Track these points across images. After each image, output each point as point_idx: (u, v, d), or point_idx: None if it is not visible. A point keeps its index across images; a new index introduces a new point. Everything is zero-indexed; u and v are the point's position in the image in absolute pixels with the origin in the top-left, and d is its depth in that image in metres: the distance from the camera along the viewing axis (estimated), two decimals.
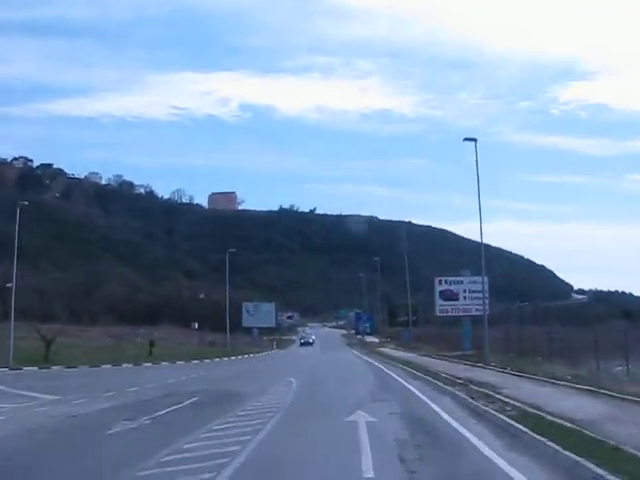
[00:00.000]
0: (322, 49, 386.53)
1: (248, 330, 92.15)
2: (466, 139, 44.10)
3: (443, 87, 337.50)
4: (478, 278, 53.19)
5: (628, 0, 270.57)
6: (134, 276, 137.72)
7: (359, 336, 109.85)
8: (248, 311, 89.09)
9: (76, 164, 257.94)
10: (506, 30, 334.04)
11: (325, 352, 70.98)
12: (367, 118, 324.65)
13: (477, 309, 54.16)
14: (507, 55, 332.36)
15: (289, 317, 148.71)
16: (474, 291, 57.72)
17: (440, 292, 59.96)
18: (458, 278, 60.89)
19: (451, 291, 59.73)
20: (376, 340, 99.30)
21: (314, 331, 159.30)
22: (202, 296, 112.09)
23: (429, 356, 53.51)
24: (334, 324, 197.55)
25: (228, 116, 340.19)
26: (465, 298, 59.55)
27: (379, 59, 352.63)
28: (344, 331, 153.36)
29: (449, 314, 60.73)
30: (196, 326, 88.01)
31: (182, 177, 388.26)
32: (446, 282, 60.77)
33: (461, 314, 58.86)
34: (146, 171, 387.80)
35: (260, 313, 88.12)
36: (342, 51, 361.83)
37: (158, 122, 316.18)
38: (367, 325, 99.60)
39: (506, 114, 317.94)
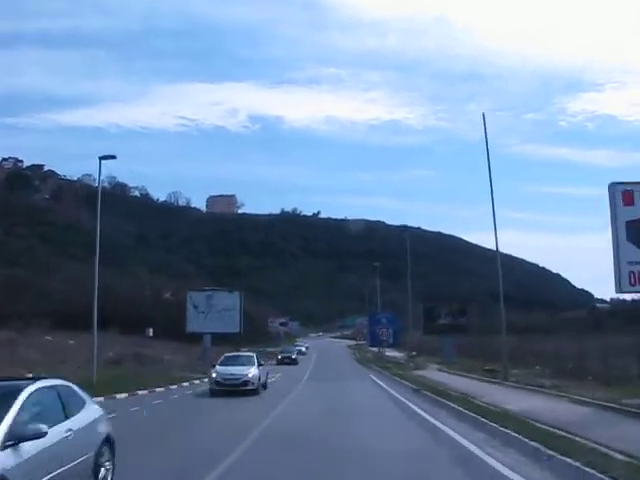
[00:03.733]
0: (331, 61, 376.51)
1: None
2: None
3: (451, 99, 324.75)
4: None
5: (636, 12, 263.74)
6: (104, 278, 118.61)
7: (375, 349, 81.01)
8: (196, 306, 53.70)
9: (76, 170, 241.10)
10: (514, 42, 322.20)
11: (318, 381, 39.88)
12: (375, 129, 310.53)
13: None
14: (515, 67, 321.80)
15: (282, 324, 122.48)
16: None
17: None
18: None
19: None
20: (398, 354, 73.53)
21: (313, 342, 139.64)
22: (168, 296, 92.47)
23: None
24: (338, 334, 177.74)
25: (236, 127, 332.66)
26: None
27: (388, 71, 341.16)
28: (351, 342, 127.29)
29: None
30: (150, 333, 69.26)
31: (180, 181, 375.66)
32: None
33: None
34: (143, 175, 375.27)
35: (215, 309, 53.31)
36: (351, 63, 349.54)
37: (167, 133, 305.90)
38: (389, 330, 63.15)
39: (514, 126, 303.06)
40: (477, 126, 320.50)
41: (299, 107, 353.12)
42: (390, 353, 76.14)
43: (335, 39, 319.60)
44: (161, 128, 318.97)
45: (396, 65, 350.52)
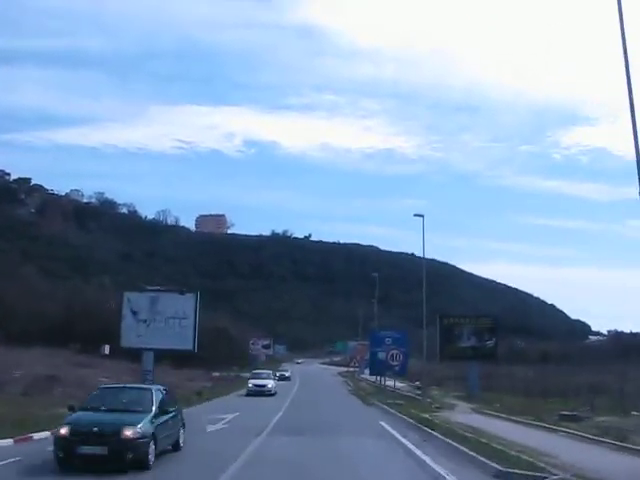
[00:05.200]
0: (328, 87, 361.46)
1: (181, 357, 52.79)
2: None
3: (447, 129, 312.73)
4: None
5: (631, 48, 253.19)
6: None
7: (370, 377, 63.92)
8: (135, 312, 37.42)
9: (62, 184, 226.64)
10: (510, 74, 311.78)
11: (292, 434, 21.32)
12: (370, 157, 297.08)
13: None
14: (511, 99, 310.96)
15: (265, 346, 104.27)
16: None
17: None
18: None
19: None
20: (399, 384, 53.85)
21: (299, 368, 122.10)
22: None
23: None
24: (327, 360, 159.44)
25: (232, 151, 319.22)
26: None
27: (384, 100, 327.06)
28: (342, 368, 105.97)
29: None
30: (106, 351, 52.60)
31: (171, 202, 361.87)
32: None
33: None
34: (134, 195, 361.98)
35: (161, 317, 37.16)
36: (348, 90, 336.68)
37: (163, 154, 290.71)
38: (399, 352, 41.67)
39: (508, 157, 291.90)
40: (471, 157, 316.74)
41: (295, 133, 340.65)
42: (388, 382, 59.75)
43: (332, 66, 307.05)
44: (157, 150, 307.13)
45: (393, 94, 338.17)
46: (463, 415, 27.92)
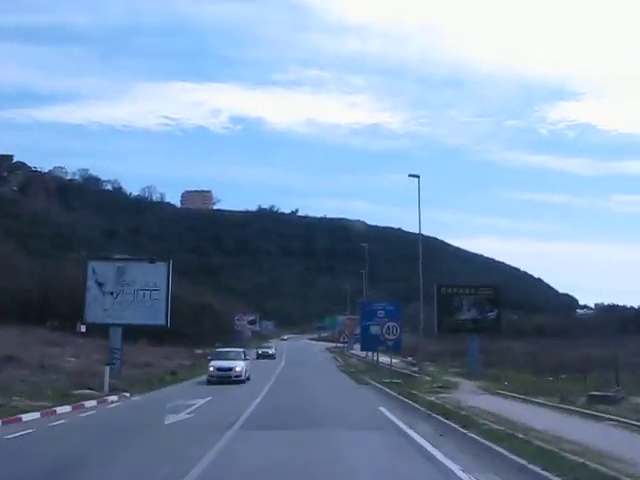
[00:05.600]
0: (314, 63, 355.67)
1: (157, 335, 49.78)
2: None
3: (433, 105, 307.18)
4: None
5: (619, 24, 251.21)
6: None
7: (364, 354, 57.82)
8: (101, 284, 32.95)
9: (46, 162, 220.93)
10: (498, 50, 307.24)
11: (273, 428, 16.55)
12: (357, 133, 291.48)
13: None
14: (498, 74, 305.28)
15: (251, 322, 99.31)
16: None
17: None
18: None
19: None
20: (393, 360, 46.77)
21: (287, 344, 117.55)
22: None
23: None
24: (315, 335, 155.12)
25: (218, 127, 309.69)
26: None
27: (371, 75, 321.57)
28: (330, 344, 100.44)
29: None
30: (82, 329, 48.00)
31: (156, 179, 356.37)
32: None
33: None
34: (119, 172, 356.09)
35: (130, 289, 32.95)
36: (334, 66, 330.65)
37: (148, 131, 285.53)
38: (397, 325, 35.28)
39: (495, 132, 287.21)
40: (457, 132, 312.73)
41: (281, 109, 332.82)
42: (381, 358, 55.60)
43: (318, 41, 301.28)
44: (143, 127, 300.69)
45: (379, 69, 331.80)
46: (473, 397, 23.67)
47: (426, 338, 48.96)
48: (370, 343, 43.31)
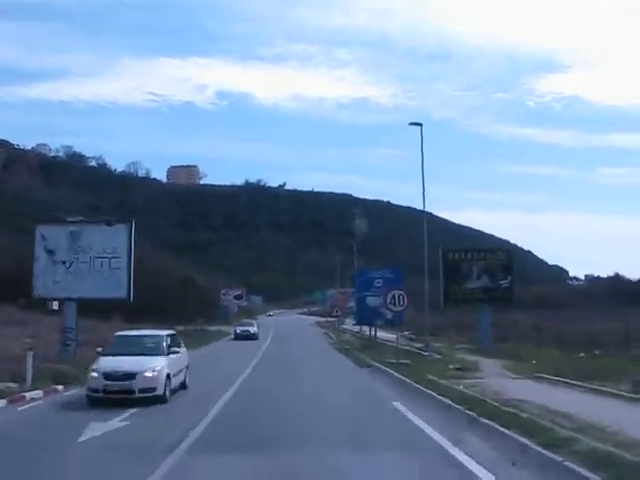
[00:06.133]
0: (300, 37, 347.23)
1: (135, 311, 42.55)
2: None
3: (421, 78, 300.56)
4: None
5: None
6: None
7: (357, 328, 53.13)
8: (51, 251, 26.99)
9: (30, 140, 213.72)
10: (484, 22, 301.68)
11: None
12: (344, 107, 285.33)
13: None
14: (485, 47, 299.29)
15: (237, 297, 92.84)
16: None
17: None
18: None
19: None
20: (390, 335, 38.64)
21: (276, 319, 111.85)
22: None
23: None
24: (305, 310, 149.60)
25: (205, 103, 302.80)
26: None
27: (357, 49, 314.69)
28: (321, 318, 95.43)
29: None
30: (55, 306, 41.43)
31: (142, 156, 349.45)
32: None
33: None
34: (102, 147, 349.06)
35: (85, 257, 26.84)
36: (320, 40, 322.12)
37: (134, 108, 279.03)
38: (400, 293, 24.89)
39: (483, 105, 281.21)
40: (445, 105, 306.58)
41: (267, 84, 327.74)
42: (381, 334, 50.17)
43: (304, 15, 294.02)
44: (129, 103, 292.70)
45: (365, 43, 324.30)
46: (509, 383, 18.08)
47: (421, 311, 43.58)
48: (367, 316, 37.58)
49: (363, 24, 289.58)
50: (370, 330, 42.27)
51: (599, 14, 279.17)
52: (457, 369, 22.49)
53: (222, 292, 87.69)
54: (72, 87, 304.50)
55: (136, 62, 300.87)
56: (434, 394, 15.16)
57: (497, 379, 18.98)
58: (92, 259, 27.69)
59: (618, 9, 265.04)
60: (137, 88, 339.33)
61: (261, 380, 21.66)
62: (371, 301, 36.81)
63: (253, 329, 56.63)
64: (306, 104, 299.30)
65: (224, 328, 64.06)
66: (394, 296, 23.76)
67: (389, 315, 35.71)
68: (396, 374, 20.85)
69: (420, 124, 34.55)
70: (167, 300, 75.06)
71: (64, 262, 27.81)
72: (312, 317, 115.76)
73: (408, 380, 18.65)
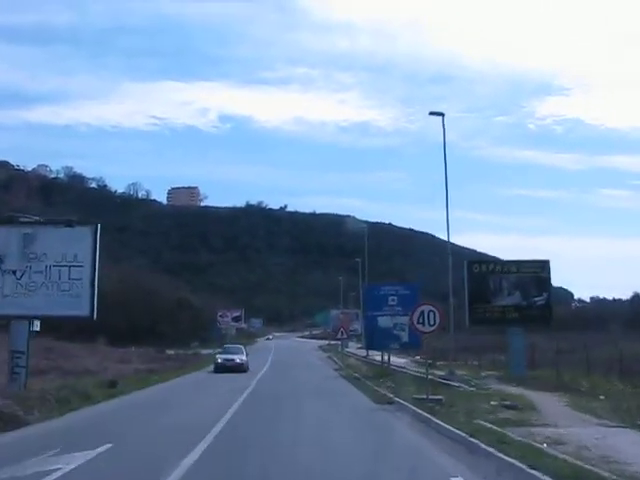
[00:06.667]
0: (302, 61, 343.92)
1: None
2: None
3: (421, 101, 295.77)
4: None
5: (605, 19, 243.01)
6: None
7: (364, 353, 47.72)
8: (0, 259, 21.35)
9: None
10: (485, 46, 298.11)
11: None
12: (345, 131, 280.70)
13: None
14: (486, 70, 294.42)
15: (235, 319, 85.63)
16: None
17: None
18: None
19: None
20: (400, 360, 41.58)
21: (275, 342, 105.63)
22: None
23: None
24: (306, 333, 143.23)
25: (207, 127, 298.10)
26: None
27: (359, 72, 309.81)
28: (323, 342, 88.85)
29: None
30: (37, 327, 34.61)
31: (142, 178, 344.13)
32: None
33: None
34: (104, 171, 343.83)
35: (40, 266, 21.46)
36: (322, 64, 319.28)
37: (137, 131, 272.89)
38: (430, 309, 17.91)
39: (484, 128, 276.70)
40: (446, 128, 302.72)
41: (269, 107, 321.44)
42: (379, 357, 44.28)
43: (306, 39, 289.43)
44: (131, 127, 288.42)
45: (367, 67, 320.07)
46: (609, 435, 12.37)
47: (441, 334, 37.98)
48: (378, 340, 31.52)
49: (365, 48, 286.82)
50: (382, 355, 36.02)
51: (598, 37, 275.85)
52: (507, 407, 16.89)
53: (219, 314, 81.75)
54: (74, 110, 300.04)
55: (138, 85, 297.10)
56: (516, 462, 9.50)
57: (581, 428, 13.37)
58: (48, 268, 22.22)
59: (617, 34, 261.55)
60: (139, 111, 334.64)
61: (250, 415, 15.83)
62: (384, 322, 31.06)
63: (240, 358, 40.53)
64: (308, 127, 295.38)
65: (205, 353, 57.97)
66: (423, 312, 18.05)
67: (405, 337, 30.28)
68: (434, 419, 14.95)
69: (442, 114, 29.50)
70: (160, 322, 69.66)
71: (14, 272, 22.33)
72: (313, 340, 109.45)
73: (458, 431, 12.85)
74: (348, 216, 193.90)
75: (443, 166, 30.99)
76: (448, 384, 23.51)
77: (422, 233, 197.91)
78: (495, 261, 30.90)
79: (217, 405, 19.92)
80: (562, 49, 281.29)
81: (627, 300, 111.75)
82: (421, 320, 18.20)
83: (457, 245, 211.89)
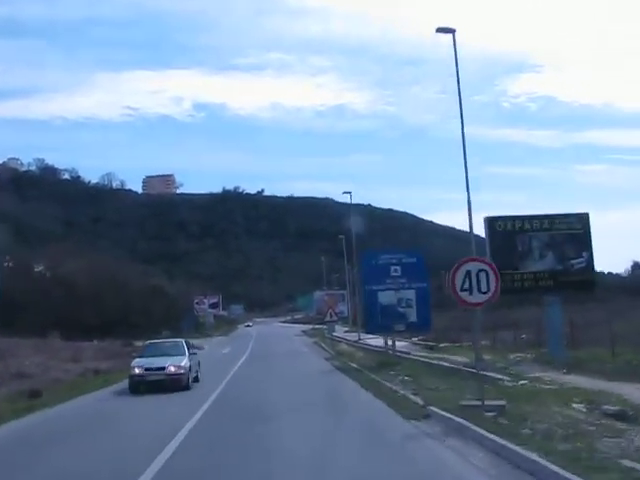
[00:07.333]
0: (276, 46, 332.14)
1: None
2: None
3: (397, 83, 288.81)
4: None
5: None
6: None
7: (354, 336, 43.39)
8: None
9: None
10: (456, 25, 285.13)
11: None
12: (322, 115, 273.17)
13: None
14: (458, 50, 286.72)
15: (213, 305, 78.85)
16: None
17: None
18: None
19: None
20: (398, 344, 29.47)
21: (256, 328, 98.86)
22: (40, 269, 55.24)
23: None
24: (289, 318, 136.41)
25: (182, 115, 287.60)
26: None
27: (334, 56, 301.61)
28: (306, 326, 79.01)
29: None
30: None
31: (116, 168, 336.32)
32: None
33: None
34: (78, 163, 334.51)
35: None
36: (297, 48, 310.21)
37: (111, 123, 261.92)
38: (478, 271, 11.14)
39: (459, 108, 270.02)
40: (422, 110, 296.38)
41: (244, 94, 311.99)
42: (372, 341, 38.02)
43: (279, 24, 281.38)
44: (105, 118, 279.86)
45: (342, 50, 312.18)
46: None
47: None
48: (381, 321, 24.39)
49: (339, 31, 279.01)
50: (385, 339, 28.54)
51: (569, 16, 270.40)
52: (611, 415, 10.49)
53: (195, 301, 74.97)
54: (46, 103, 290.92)
55: (111, 76, 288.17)
56: None
57: None
58: None
59: (588, 11, 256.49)
60: (113, 102, 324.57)
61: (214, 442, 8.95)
62: (386, 297, 24.19)
63: (177, 363, 22.01)
64: (284, 113, 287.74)
65: (196, 342, 51.21)
66: (469, 274, 11.14)
67: (412, 317, 23.82)
68: (541, 460, 7.43)
69: (453, 30, 23.07)
70: (133, 313, 63.11)
71: None
72: (296, 325, 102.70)
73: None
74: (327, 198, 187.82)
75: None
76: (485, 376, 17.01)
77: (403, 213, 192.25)
78: (522, 216, 24.18)
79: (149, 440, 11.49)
80: (532, 27, 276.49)
81: (609, 273, 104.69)
82: (467, 286, 11.60)
83: (439, 224, 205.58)
